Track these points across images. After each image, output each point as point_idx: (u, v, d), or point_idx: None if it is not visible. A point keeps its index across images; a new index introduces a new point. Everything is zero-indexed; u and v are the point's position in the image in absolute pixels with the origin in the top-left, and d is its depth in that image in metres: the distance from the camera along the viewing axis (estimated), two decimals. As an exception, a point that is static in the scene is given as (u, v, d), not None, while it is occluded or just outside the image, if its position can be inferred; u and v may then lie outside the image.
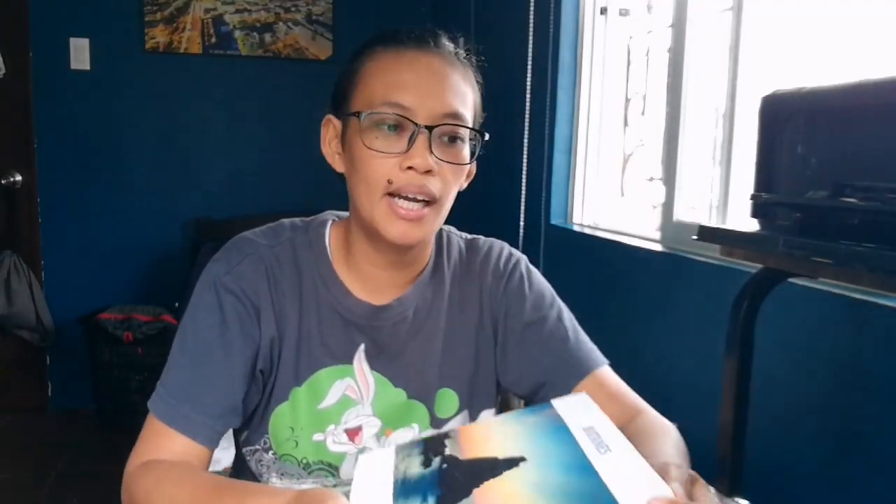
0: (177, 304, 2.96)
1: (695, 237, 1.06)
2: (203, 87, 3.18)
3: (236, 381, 0.82)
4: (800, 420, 1.28)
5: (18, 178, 2.99)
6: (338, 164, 0.86)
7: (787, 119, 0.92)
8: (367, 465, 0.66)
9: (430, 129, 0.78)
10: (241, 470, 0.93)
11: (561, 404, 0.69)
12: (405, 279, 0.89)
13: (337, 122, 0.85)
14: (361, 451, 0.87)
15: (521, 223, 2.33)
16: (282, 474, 0.87)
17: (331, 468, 0.87)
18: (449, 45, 0.83)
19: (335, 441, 0.86)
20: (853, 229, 0.81)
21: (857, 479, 1.17)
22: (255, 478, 0.89)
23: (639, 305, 1.82)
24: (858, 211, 0.81)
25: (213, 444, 0.82)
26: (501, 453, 0.63)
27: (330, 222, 0.91)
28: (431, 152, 0.78)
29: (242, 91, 3.22)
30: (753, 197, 0.97)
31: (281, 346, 0.85)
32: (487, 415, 0.93)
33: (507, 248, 0.97)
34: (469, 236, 0.97)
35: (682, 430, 0.84)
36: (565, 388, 0.88)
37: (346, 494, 0.60)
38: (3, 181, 2.94)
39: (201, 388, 0.81)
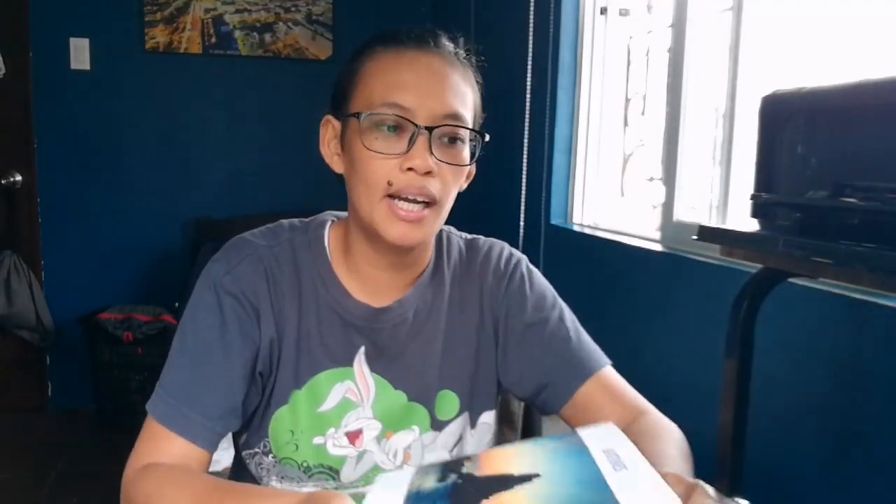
0: (177, 304, 2.96)
1: (695, 237, 1.06)
2: (203, 87, 3.18)
3: (236, 383, 0.82)
4: (800, 420, 1.28)
5: (18, 178, 2.99)
6: (337, 165, 0.86)
7: (787, 119, 0.92)
8: (384, 481, 0.67)
9: (430, 130, 0.77)
10: (240, 473, 0.92)
11: (586, 432, 0.68)
12: (405, 280, 0.89)
13: (336, 123, 0.85)
14: (362, 454, 0.86)
15: (521, 223, 2.33)
16: (282, 478, 0.87)
17: (331, 471, 0.86)
18: (449, 46, 0.83)
19: (335, 444, 0.86)
20: (853, 229, 0.81)
21: (857, 479, 1.17)
22: (254, 481, 0.89)
23: (639, 305, 1.82)
24: (858, 211, 0.81)
25: (212, 447, 0.81)
26: (517, 470, 0.63)
27: (329, 223, 0.90)
28: (431, 153, 0.77)
29: (242, 91, 3.22)
30: (753, 197, 0.97)
31: (280, 347, 0.85)
32: (488, 416, 0.92)
33: (507, 247, 0.96)
34: (469, 236, 0.97)
35: (683, 431, 0.84)
36: (568, 390, 0.88)
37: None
38: (3, 181, 2.94)
39: (201, 390, 0.80)
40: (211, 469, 0.84)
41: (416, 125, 0.77)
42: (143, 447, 0.80)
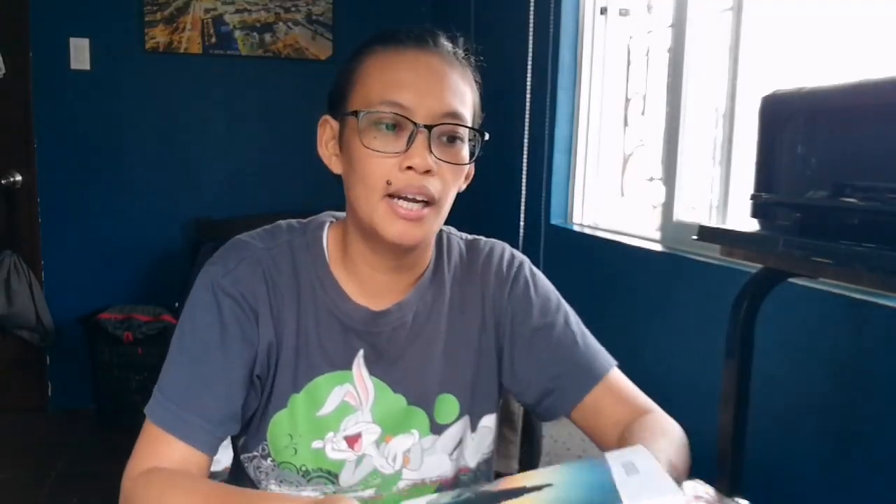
0: (177, 304, 2.96)
1: (695, 237, 1.06)
2: (203, 87, 3.18)
3: (235, 386, 0.81)
4: (800, 420, 1.28)
5: (18, 178, 2.99)
6: (335, 166, 0.85)
7: (787, 119, 0.92)
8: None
9: (429, 128, 0.77)
10: (239, 476, 0.91)
11: (612, 453, 0.68)
12: (405, 283, 0.88)
13: (334, 123, 0.84)
14: (361, 458, 0.86)
15: (521, 223, 2.33)
16: (280, 481, 0.86)
17: (330, 475, 0.86)
18: (447, 45, 0.82)
19: (334, 448, 0.85)
20: (853, 229, 0.81)
21: (857, 479, 1.17)
22: (253, 484, 0.88)
23: (639, 305, 1.82)
24: (858, 211, 0.80)
25: (212, 451, 0.80)
26: (530, 484, 0.63)
27: (327, 224, 0.89)
28: (431, 152, 0.77)
29: (242, 91, 3.22)
30: (753, 197, 0.97)
31: (279, 351, 0.84)
32: (489, 420, 0.91)
33: (508, 249, 0.95)
34: (469, 237, 0.96)
35: (683, 431, 0.84)
36: (577, 395, 0.88)
37: None
38: (3, 181, 2.94)
39: (200, 393, 0.79)
40: (211, 469, 0.84)
41: (415, 123, 0.77)
42: (143, 452, 0.79)
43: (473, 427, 0.90)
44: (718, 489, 0.92)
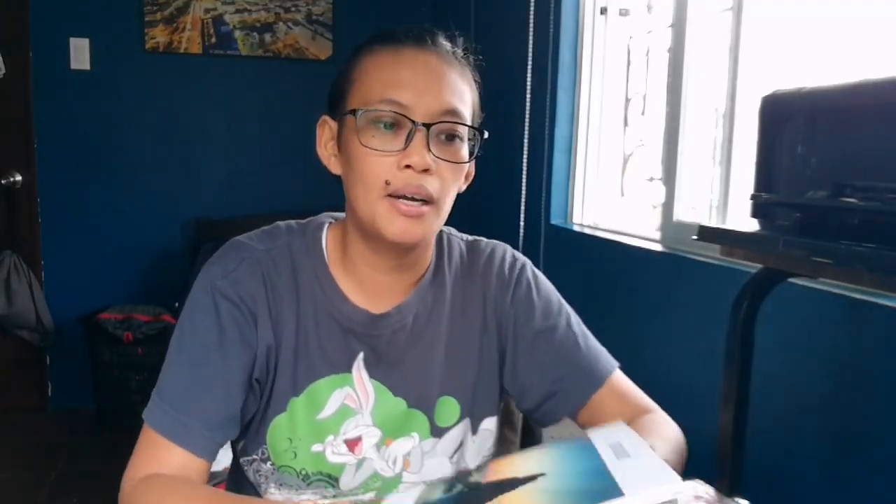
0: (177, 304, 2.96)
1: (695, 237, 1.06)
2: (203, 87, 3.18)
3: (234, 390, 0.80)
4: (800, 420, 1.28)
5: (18, 178, 2.99)
6: (334, 166, 0.84)
7: (787, 119, 0.92)
8: (396, 495, 0.67)
9: (427, 126, 0.76)
10: (238, 479, 0.91)
11: (595, 432, 0.69)
12: (405, 284, 0.87)
13: (333, 123, 0.84)
14: (361, 461, 0.85)
15: (521, 223, 2.33)
16: (280, 485, 0.86)
17: (330, 479, 0.85)
18: (447, 44, 0.82)
19: (334, 452, 0.84)
20: (853, 229, 0.81)
21: (857, 479, 1.17)
22: (253, 487, 0.88)
23: (639, 305, 1.82)
24: (858, 211, 0.80)
25: (212, 456, 0.80)
26: (522, 473, 0.63)
27: (326, 225, 0.89)
28: (429, 150, 0.76)
29: (242, 91, 3.22)
30: (753, 197, 0.97)
31: (278, 354, 0.83)
32: (490, 423, 0.91)
33: (509, 250, 0.95)
34: (470, 238, 0.95)
35: (683, 431, 0.84)
36: (581, 399, 0.87)
37: None
38: (3, 181, 2.95)
39: (199, 398, 0.79)
40: (211, 469, 0.83)
41: (413, 122, 0.76)
42: (141, 457, 0.78)
43: (474, 430, 0.90)
44: (718, 489, 0.92)
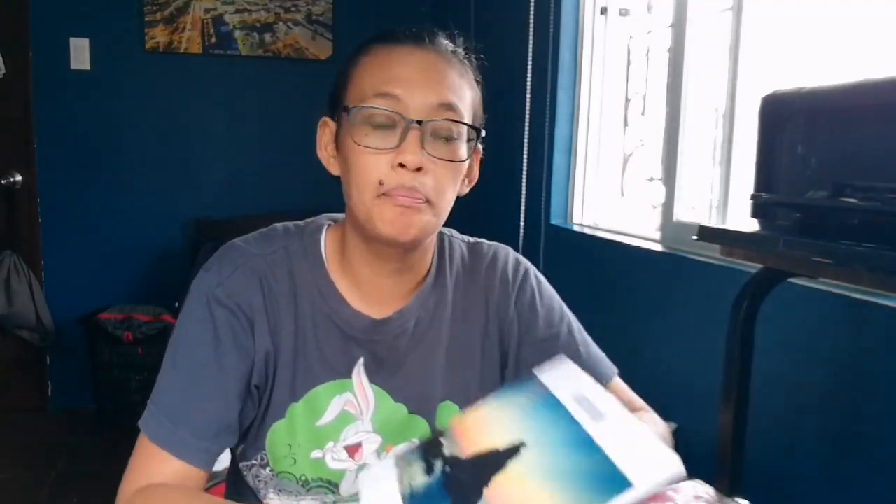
0: (177, 304, 2.96)
1: (695, 237, 1.06)
2: (203, 87, 3.18)
3: (231, 399, 0.79)
4: (800, 420, 1.28)
5: (18, 178, 2.99)
6: (333, 167, 0.83)
7: (787, 119, 0.92)
8: (371, 481, 0.65)
9: (421, 124, 0.75)
10: (237, 483, 0.90)
11: (545, 375, 0.68)
12: (406, 288, 0.86)
13: (332, 124, 0.83)
14: (361, 467, 0.84)
15: (521, 223, 2.33)
16: (280, 490, 0.85)
17: (330, 485, 0.84)
18: (446, 43, 0.81)
19: (334, 458, 0.83)
20: (853, 229, 0.81)
21: (857, 479, 1.17)
22: (252, 492, 0.87)
23: (639, 305, 1.82)
24: (858, 211, 0.80)
25: (209, 466, 0.78)
26: (500, 443, 0.62)
27: (325, 227, 0.87)
28: (424, 149, 0.74)
29: (242, 91, 3.22)
30: (753, 197, 0.97)
31: (276, 360, 0.81)
32: None
33: (512, 253, 0.93)
34: (471, 240, 0.94)
35: (683, 431, 0.84)
36: None
37: None
38: (3, 181, 2.94)
39: (195, 408, 0.77)
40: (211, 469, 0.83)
41: (407, 119, 0.74)
42: (138, 468, 0.77)
43: None
44: (718, 489, 0.92)
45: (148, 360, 2.83)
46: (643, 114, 2.13)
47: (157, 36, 3.08)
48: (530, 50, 2.27)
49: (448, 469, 0.63)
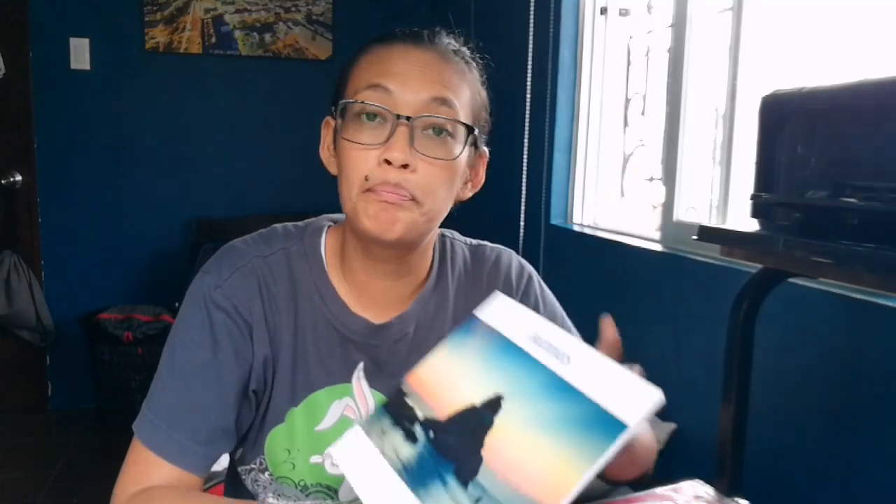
0: (177, 304, 2.95)
1: (695, 237, 1.06)
2: (203, 87, 3.18)
3: (228, 404, 0.78)
4: (800, 420, 1.28)
5: (18, 178, 2.99)
6: (332, 167, 0.81)
7: (786, 119, 0.92)
8: (355, 464, 0.63)
9: (411, 120, 0.73)
10: (235, 487, 0.89)
11: (485, 313, 0.68)
12: (406, 291, 0.84)
13: (334, 124, 0.81)
14: None
15: (521, 223, 2.33)
16: (278, 495, 0.84)
17: (329, 490, 0.84)
18: (448, 42, 0.80)
19: (333, 463, 0.82)
20: (853, 229, 0.80)
21: (857, 479, 1.17)
22: (250, 494, 0.87)
23: (639, 305, 1.82)
24: (858, 211, 0.80)
25: (204, 472, 0.77)
26: (474, 397, 0.61)
27: (325, 229, 0.85)
28: (413, 146, 0.73)
29: (242, 91, 3.22)
30: (753, 197, 0.97)
31: (275, 365, 0.80)
32: None
33: (515, 257, 0.93)
34: (473, 242, 0.93)
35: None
36: None
37: None
38: (3, 181, 2.94)
39: (191, 413, 0.76)
40: (211, 469, 0.83)
41: (394, 114, 0.73)
42: (132, 472, 0.76)
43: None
44: (718, 489, 0.92)
45: (148, 360, 2.83)
46: (643, 114, 2.13)
47: (157, 36, 3.08)
48: (530, 50, 2.27)
49: (432, 434, 0.61)
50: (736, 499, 0.91)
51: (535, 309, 0.89)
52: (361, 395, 0.83)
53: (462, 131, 0.76)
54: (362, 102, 0.74)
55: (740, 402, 1.01)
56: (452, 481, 0.57)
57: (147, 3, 3.05)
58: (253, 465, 0.85)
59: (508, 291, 0.89)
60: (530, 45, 2.27)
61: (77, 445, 2.83)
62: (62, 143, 3.03)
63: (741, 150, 1.60)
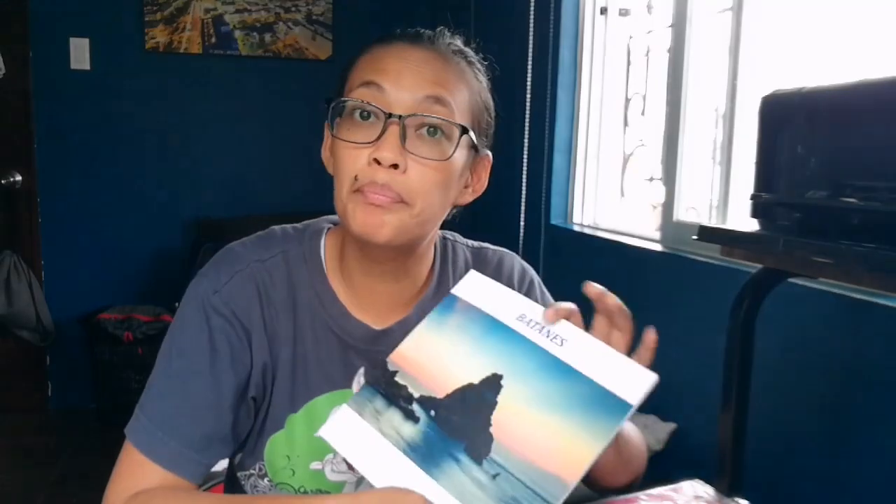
0: (176, 304, 2.93)
1: (695, 237, 1.06)
2: (203, 87, 3.18)
3: (224, 411, 0.75)
4: (800, 420, 1.28)
5: (18, 178, 2.98)
6: (331, 168, 0.79)
7: (787, 119, 0.92)
8: (347, 442, 0.62)
9: (403, 119, 0.71)
10: (235, 491, 0.88)
11: (463, 292, 0.69)
12: (407, 295, 0.83)
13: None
14: (361, 480, 0.81)
15: (521, 223, 2.33)
16: None
17: None
18: (449, 42, 0.78)
19: (334, 470, 0.81)
20: (853, 229, 0.80)
21: (857, 479, 1.17)
22: None
23: (639, 305, 1.81)
24: (858, 211, 0.80)
25: (200, 479, 0.75)
26: (470, 376, 0.62)
27: (325, 231, 0.84)
28: (404, 146, 0.71)
29: (242, 91, 3.22)
30: (753, 197, 0.97)
31: (275, 371, 0.79)
32: None
33: (518, 261, 0.92)
34: (475, 244, 0.92)
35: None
36: None
37: None
38: (3, 181, 2.94)
39: (187, 419, 0.74)
40: (211, 469, 0.83)
41: (386, 113, 0.71)
42: (124, 477, 0.74)
43: None
44: (718, 489, 0.92)
45: (148, 360, 2.80)
46: (643, 114, 2.13)
47: (157, 36, 3.08)
48: (530, 50, 2.27)
49: (433, 413, 0.61)
50: (736, 499, 0.91)
51: None
52: None
53: (457, 132, 0.74)
54: (354, 100, 0.73)
55: (740, 402, 1.01)
56: (466, 459, 0.57)
57: (147, 3, 3.05)
58: (252, 471, 0.84)
59: None
60: (530, 46, 2.27)
61: (77, 445, 2.83)
62: (62, 143, 3.03)
63: (741, 150, 1.60)
